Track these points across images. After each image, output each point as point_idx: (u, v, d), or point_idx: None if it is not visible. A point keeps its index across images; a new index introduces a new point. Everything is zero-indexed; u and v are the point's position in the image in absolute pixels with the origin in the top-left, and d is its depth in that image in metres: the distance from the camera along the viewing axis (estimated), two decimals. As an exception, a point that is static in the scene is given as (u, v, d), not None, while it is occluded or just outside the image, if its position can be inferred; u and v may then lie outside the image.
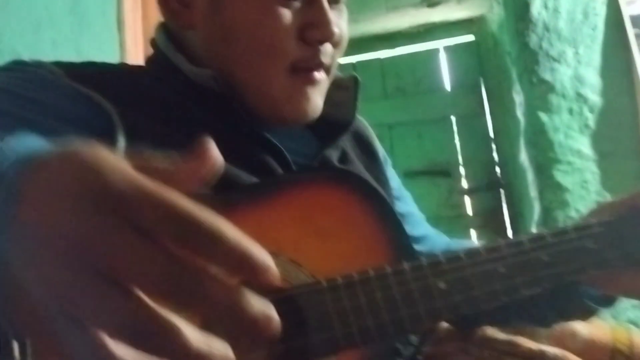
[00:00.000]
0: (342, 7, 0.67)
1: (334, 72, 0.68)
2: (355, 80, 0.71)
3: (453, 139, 2.55)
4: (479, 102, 2.57)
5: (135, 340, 0.27)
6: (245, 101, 0.63)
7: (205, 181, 0.31)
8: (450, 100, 2.59)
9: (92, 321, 0.27)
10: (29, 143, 0.36)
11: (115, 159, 0.29)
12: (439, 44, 2.68)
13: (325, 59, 0.63)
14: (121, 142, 0.52)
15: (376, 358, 0.54)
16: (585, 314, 0.70)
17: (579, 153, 2.09)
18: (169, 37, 0.66)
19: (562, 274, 0.57)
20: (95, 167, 0.28)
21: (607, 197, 2.07)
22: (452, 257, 0.54)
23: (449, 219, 2.43)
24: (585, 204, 2.06)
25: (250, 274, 0.28)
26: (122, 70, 0.68)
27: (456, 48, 2.67)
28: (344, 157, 0.72)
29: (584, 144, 2.09)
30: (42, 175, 0.30)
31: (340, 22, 0.66)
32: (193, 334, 0.27)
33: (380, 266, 0.52)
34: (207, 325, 0.29)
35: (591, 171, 2.09)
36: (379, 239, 0.57)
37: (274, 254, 0.51)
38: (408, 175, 2.39)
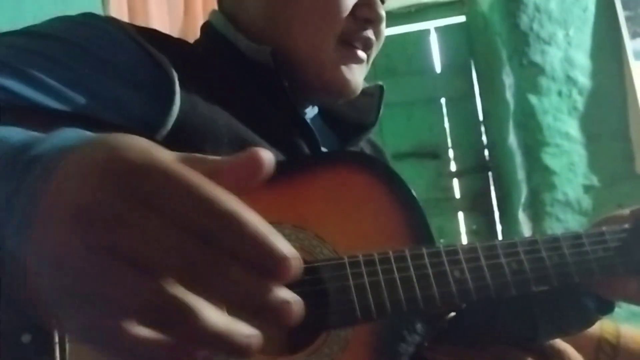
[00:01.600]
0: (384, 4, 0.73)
1: (373, 57, 0.74)
2: (380, 88, 0.77)
3: (442, 120, 2.54)
4: (469, 84, 2.56)
5: (156, 322, 0.27)
6: (295, 73, 0.67)
7: (250, 183, 0.30)
8: (440, 82, 2.58)
9: (112, 302, 0.27)
10: (71, 134, 0.36)
11: (148, 146, 0.29)
12: (430, 25, 2.65)
13: (369, 35, 0.69)
14: (175, 109, 0.55)
15: (382, 343, 0.57)
16: (584, 322, 0.73)
17: (567, 135, 2.09)
18: (227, 19, 0.71)
19: (571, 275, 0.61)
20: (127, 152, 0.28)
21: (594, 180, 2.08)
22: (469, 248, 0.58)
23: (437, 201, 2.44)
24: (572, 187, 2.08)
25: (273, 268, 0.27)
26: (182, 40, 0.70)
27: (447, 29, 2.65)
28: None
29: (572, 127, 2.10)
30: (75, 157, 0.30)
31: (383, 12, 0.71)
32: (214, 316, 0.27)
33: (400, 248, 0.56)
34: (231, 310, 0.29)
35: (579, 154, 2.10)
36: (399, 222, 0.61)
37: (301, 228, 0.55)
38: (397, 157, 2.39)
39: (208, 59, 0.66)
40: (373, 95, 0.77)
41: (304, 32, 0.67)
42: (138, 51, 0.57)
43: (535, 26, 2.13)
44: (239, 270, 0.27)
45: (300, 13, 0.67)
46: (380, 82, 0.79)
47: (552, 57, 2.10)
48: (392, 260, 0.55)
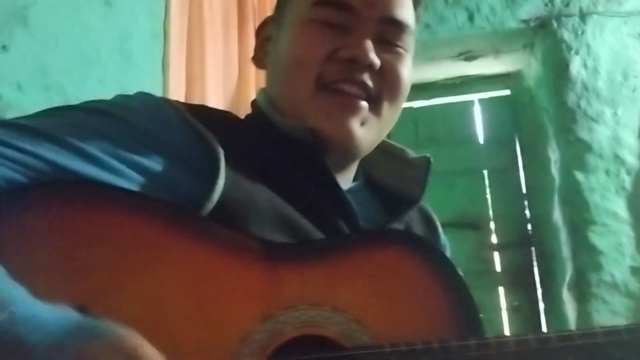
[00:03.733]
0: (400, 51, 0.68)
1: (386, 111, 0.68)
2: (427, 161, 0.74)
3: (485, 192, 2.51)
4: (513, 156, 2.54)
5: None
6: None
7: None
8: (483, 153, 2.57)
9: None
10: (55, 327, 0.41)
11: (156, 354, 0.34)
12: (474, 97, 2.67)
13: (358, 77, 0.64)
14: (219, 186, 0.55)
15: None
16: None
17: (614, 215, 2.04)
18: (269, 99, 0.71)
19: None
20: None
21: (643, 262, 2.00)
22: (521, 340, 0.53)
23: (477, 273, 2.38)
24: (620, 268, 2.00)
25: None
26: (230, 117, 0.72)
27: (491, 101, 2.66)
28: (407, 230, 0.74)
29: (620, 206, 2.05)
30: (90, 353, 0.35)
31: (394, 62, 0.67)
32: None
33: (445, 338, 0.52)
34: None
35: (627, 234, 2.03)
36: (445, 308, 0.57)
37: (341, 311, 0.53)
38: (437, 226, 2.36)
39: (253, 137, 0.67)
40: (420, 167, 0.74)
41: (285, 86, 0.67)
42: (189, 131, 0.59)
43: (583, 104, 2.12)
44: None
45: (282, 72, 0.67)
46: (427, 154, 0.75)
47: (600, 135, 2.08)
48: (437, 351, 0.51)
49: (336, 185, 0.66)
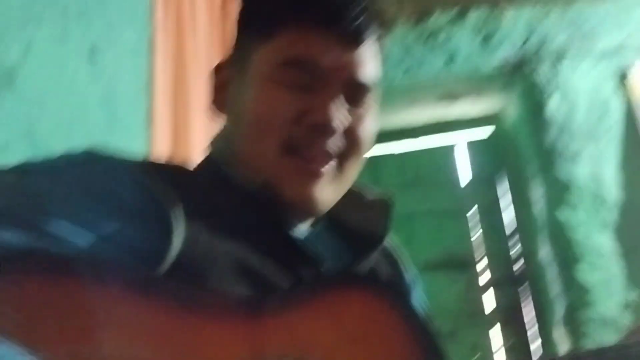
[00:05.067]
0: (364, 111, 0.68)
1: (349, 168, 0.67)
2: (386, 201, 0.73)
3: (471, 232, 2.53)
4: (497, 196, 2.58)
5: None
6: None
7: None
8: (467, 194, 2.60)
9: None
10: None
11: None
12: (456, 139, 2.72)
13: (323, 143, 0.63)
14: (176, 243, 0.53)
15: None
16: None
17: (600, 252, 2.06)
18: (223, 148, 0.70)
19: None
20: None
21: (632, 296, 2.01)
22: None
23: (467, 314, 2.37)
24: (610, 304, 2.01)
25: None
26: (182, 170, 0.70)
27: (474, 142, 2.71)
28: (372, 273, 0.72)
29: (605, 243, 2.06)
30: None
31: (358, 123, 0.67)
32: None
33: None
34: None
35: (614, 270, 2.04)
36: (412, 353, 0.56)
37: (306, 359, 0.52)
38: (426, 268, 2.36)
39: (207, 189, 0.65)
40: (380, 208, 0.73)
41: (247, 146, 0.65)
42: (141, 189, 0.57)
43: (561, 143, 2.16)
44: None
45: (244, 130, 0.65)
46: (387, 193, 0.74)
47: (580, 173, 2.12)
48: None
49: (292, 238, 0.65)
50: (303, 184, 0.64)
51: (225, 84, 0.71)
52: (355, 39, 0.65)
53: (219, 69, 0.73)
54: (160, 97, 1.28)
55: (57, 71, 1.05)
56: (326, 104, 0.63)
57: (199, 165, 0.73)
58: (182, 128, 1.33)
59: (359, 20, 0.65)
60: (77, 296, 0.50)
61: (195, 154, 1.33)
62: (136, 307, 0.51)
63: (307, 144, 0.63)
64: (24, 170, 0.57)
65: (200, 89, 1.43)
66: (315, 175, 0.64)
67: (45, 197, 0.54)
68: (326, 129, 0.63)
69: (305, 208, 0.65)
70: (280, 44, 0.65)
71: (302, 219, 0.68)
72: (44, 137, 0.99)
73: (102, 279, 0.51)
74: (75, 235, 0.52)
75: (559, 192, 2.12)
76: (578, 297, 2.03)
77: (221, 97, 0.71)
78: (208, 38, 1.58)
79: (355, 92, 0.66)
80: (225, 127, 0.71)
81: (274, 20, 0.66)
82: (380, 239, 0.72)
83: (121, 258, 0.54)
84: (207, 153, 0.73)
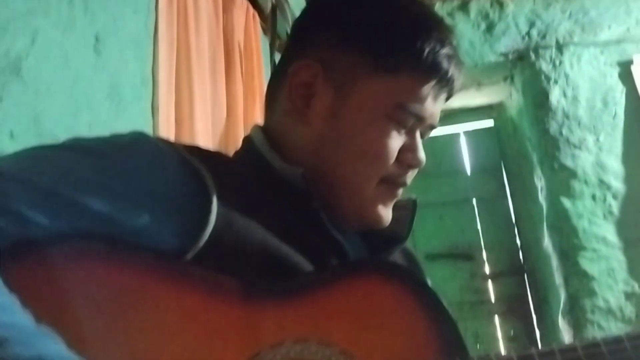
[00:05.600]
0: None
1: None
2: (413, 203, 0.78)
3: (475, 222, 2.54)
4: (500, 185, 2.58)
5: None
6: (330, 201, 0.69)
7: None
8: (471, 184, 2.61)
9: None
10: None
11: None
12: (459, 128, 2.72)
13: (408, 181, 0.73)
14: (209, 227, 0.56)
15: None
16: None
17: (604, 240, 2.06)
18: (266, 137, 0.73)
19: None
20: None
21: (635, 286, 2.01)
22: (525, 356, 0.54)
23: (471, 304, 2.38)
24: (614, 293, 2.01)
25: None
26: (221, 155, 0.72)
27: (476, 132, 2.71)
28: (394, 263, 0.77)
29: (608, 231, 2.07)
30: None
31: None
32: None
33: None
34: None
35: (617, 259, 2.05)
36: (430, 336, 0.58)
37: (327, 345, 0.53)
38: (429, 258, 2.37)
39: (246, 174, 0.68)
40: (406, 208, 0.77)
41: (351, 172, 0.70)
42: (181, 169, 0.59)
43: (565, 131, 2.17)
44: None
45: (351, 156, 0.69)
46: (413, 196, 0.79)
47: (584, 162, 2.12)
48: None
49: (325, 228, 0.67)
50: (384, 208, 0.71)
51: (306, 86, 0.71)
52: (450, 97, 0.75)
53: (297, 72, 0.71)
54: (164, 86, 1.29)
55: (62, 61, 1.05)
56: (419, 146, 0.72)
57: (238, 151, 0.76)
58: (187, 115, 1.34)
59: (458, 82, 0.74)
60: (99, 280, 0.52)
61: (199, 140, 1.34)
62: (155, 292, 0.53)
63: (399, 176, 0.71)
64: (72, 148, 0.59)
65: (203, 77, 1.44)
66: (394, 198, 0.73)
67: (106, 177, 0.57)
68: (416, 168, 0.72)
69: (377, 226, 0.72)
70: (402, 86, 0.69)
71: (359, 229, 0.74)
72: (50, 125, 1.00)
73: (126, 264, 0.54)
74: (131, 217, 0.55)
75: (563, 180, 2.12)
76: (581, 286, 2.04)
77: (302, 103, 0.71)
78: (212, 28, 1.58)
79: (427, 131, 0.75)
80: (298, 131, 0.71)
81: (406, 60, 0.68)
82: (402, 239, 0.76)
83: (160, 234, 0.56)
84: (250, 140, 0.75)
